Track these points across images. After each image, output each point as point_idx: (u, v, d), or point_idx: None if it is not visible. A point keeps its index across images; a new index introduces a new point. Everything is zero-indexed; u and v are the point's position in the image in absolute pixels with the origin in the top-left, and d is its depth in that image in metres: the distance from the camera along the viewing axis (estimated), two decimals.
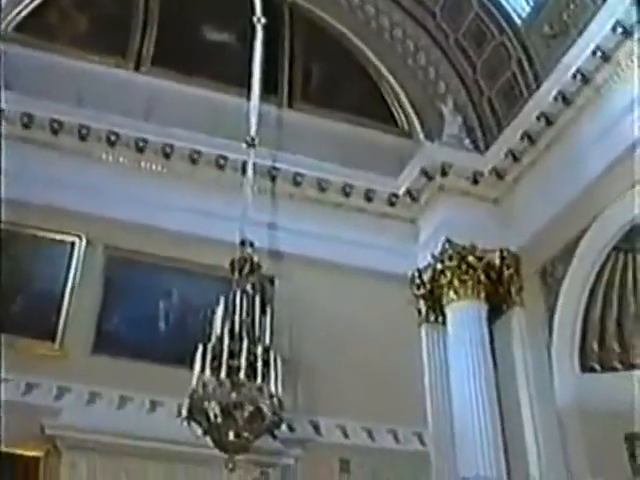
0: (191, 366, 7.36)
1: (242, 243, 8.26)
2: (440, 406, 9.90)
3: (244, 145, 9.61)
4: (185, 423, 7.28)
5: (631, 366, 9.44)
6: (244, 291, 7.85)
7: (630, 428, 9.02)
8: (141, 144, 10.10)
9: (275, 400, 7.17)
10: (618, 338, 9.58)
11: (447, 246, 10.21)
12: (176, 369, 8.29)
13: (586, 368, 9.49)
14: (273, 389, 7.19)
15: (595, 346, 9.59)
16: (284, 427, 8.71)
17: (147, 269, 9.63)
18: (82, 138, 9.92)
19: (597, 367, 9.55)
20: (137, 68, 11.02)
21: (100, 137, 10.01)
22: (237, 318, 7.56)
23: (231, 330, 7.44)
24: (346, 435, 9.59)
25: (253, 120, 9.78)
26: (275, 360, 7.35)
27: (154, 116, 10.32)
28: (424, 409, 9.98)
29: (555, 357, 9.45)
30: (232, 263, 8.12)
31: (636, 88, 8.70)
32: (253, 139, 9.61)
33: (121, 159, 10.07)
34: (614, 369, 9.52)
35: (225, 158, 10.30)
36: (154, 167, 10.18)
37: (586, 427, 9.09)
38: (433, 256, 10.36)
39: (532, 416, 9.37)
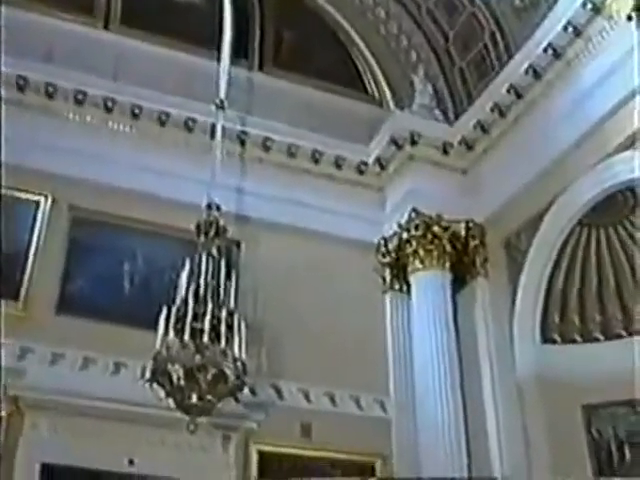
0: (155, 328, 7.36)
1: (209, 206, 8.21)
2: (402, 374, 10.01)
3: (213, 108, 9.52)
4: (148, 385, 7.29)
5: (590, 339, 9.60)
6: (209, 254, 7.83)
7: (587, 399, 9.20)
8: (109, 104, 9.97)
9: (238, 364, 7.20)
10: (579, 311, 9.72)
11: (414, 215, 10.26)
12: (140, 331, 8.27)
13: (547, 339, 9.63)
14: (237, 353, 7.22)
15: (556, 318, 9.72)
16: (247, 391, 8.78)
17: (112, 230, 9.56)
18: (49, 96, 9.77)
19: (557, 339, 9.68)
20: (106, 26, 10.85)
21: (67, 96, 9.86)
22: (202, 281, 7.55)
23: (196, 293, 7.44)
24: (308, 400, 9.68)
25: (223, 83, 9.64)
26: (239, 324, 7.37)
27: (123, 76, 10.18)
28: (386, 376, 10.09)
29: (517, 328, 9.58)
30: (198, 226, 8.08)
31: (606, 64, 8.75)
32: (222, 102, 9.50)
33: (88, 118, 9.94)
34: (574, 341, 9.66)
35: (194, 120, 10.22)
36: (122, 127, 10.07)
37: (544, 397, 9.25)
38: (399, 225, 10.41)
39: (492, 385, 9.51)
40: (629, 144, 8.41)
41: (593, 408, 9.24)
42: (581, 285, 9.72)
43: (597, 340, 9.60)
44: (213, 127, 9.69)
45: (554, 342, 9.66)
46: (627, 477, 8.63)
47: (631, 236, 9.46)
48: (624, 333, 9.49)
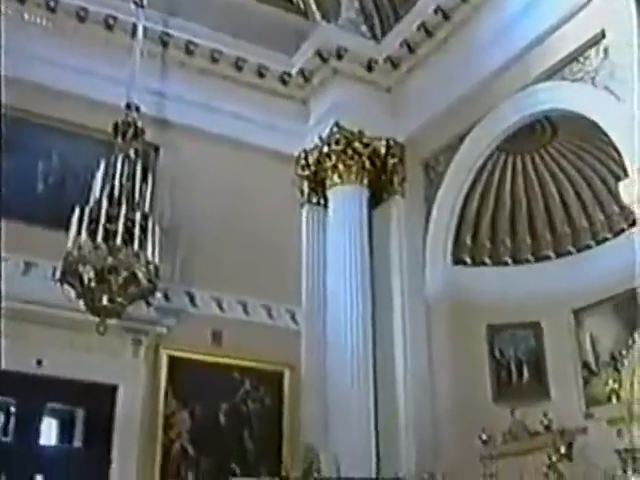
0: (68, 229, 7.23)
1: (127, 107, 8.00)
2: (314, 286, 10.14)
3: (132, 5, 9.19)
4: (58, 285, 7.20)
5: (500, 262, 9.87)
6: (126, 156, 7.68)
7: (492, 320, 9.51)
8: None
9: (151, 267, 7.15)
10: (491, 235, 9.96)
11: (335, 130, 10.23)
12: (52, 232, 8.13)
13: (457, 261, 9.87)
14: (150, 256, 7.17)
15: (468, 241, 9.95)
16: (159, 296, 8.84)
17: (26, 128, 9.21)
18: None
19: (468, 261, 9.93)
20: None
21: None
22: (117, 183, 7.41)
23: (110, 195, 7.30)
24: (221, 308, 9.74)
25: None
26: (154, 228, 7.29)
27: None
28: (299, 288, 10.23)
29: (429, 248, 9.77)
30: (116, 126, 7.88)
31: None
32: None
33: (2, 8, 9.47)
34: (483, 264, 9.92)
35: (114, 18, 9.83)
36: (39, 20, 9.63)
37: (451, 316, 9.52)
38: (320, 138, 10.38)
39: (402, 302, 9.72)
40: (551, 74, 8.52)
41: (497, 329, 9.58)
42: (494, 210, 9.94)
43: (506, 264, 9.89)
44: (134, 27, 9.40)
45: (464, 264, 9.90)
46: (524, 396, 9.01)
47: (546, 165, 9.68)
48: (532, 258, 9.79)
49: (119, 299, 7.06)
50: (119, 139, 7.81)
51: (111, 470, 8.59)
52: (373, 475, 8.79)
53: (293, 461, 9.19)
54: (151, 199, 7.64)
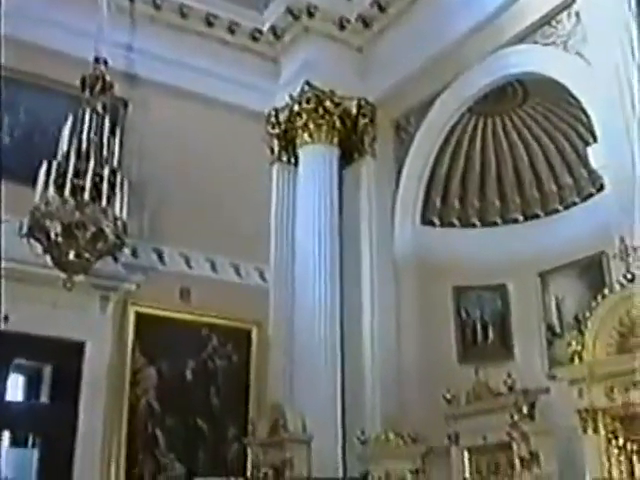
0: (35, 184, 7.12)
1: (96, 60, 7.86)
2: (283, 244, 10.16)
3: None
4: (25, 240, 7.11)
5: (468, 224, 9.93)
6: (94, 110, 7.56)
7: (459, 281, 9.59)
8: None
9: (119, 223, 7.09)
10: (460, 197, 10.00)
11: (306, 88, 10.17)
12: (19, 186, 8.03)
13: (426, 221, 9.91)
14: (118, 212, 7.11)
15: (437, 202, 9.99)
16: (127, 252, 8.81)
17: None
18: None
19: (437, 222, 9.97)
20: None
21: None
22: (85, 137, 7.32)
23: (78, 149, 7.20)
24: (189, 265, 9.74)
25: None
26: (122, 183, 7.22)
27: None
28: (268, 246, 10.25)
29: (398, 208, 9.80)
30: (83, 80, 7.75)
31: None
32: None
33: None
34: (452, 225, 9.98)
35: None
36: None
37: (419, 277, 9.59)
38: (291, 97, 10.31)
39: (370, 262, 9.75)
40: (523, 37, 8.51)
41: (463, 290, 9.66)
42: (464, 171, 9.98)
43: (474, 226, 9.95)
44: None
45: (433, 224, 9.95)
46: (489, 357, 9.12)
47: (516, 128, 9.71)
48: (500, 221, 9.86)
49: (86, 255, 7.00)
50: (87, 93, 7.68)
51: (78, 426, 8.60)
52: (339, 430, 8.87)
53: (259, 418, 9.26)
54: (119, 154, 7.55)
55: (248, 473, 9.27)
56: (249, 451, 9.31)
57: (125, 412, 9.03)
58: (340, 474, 8.70)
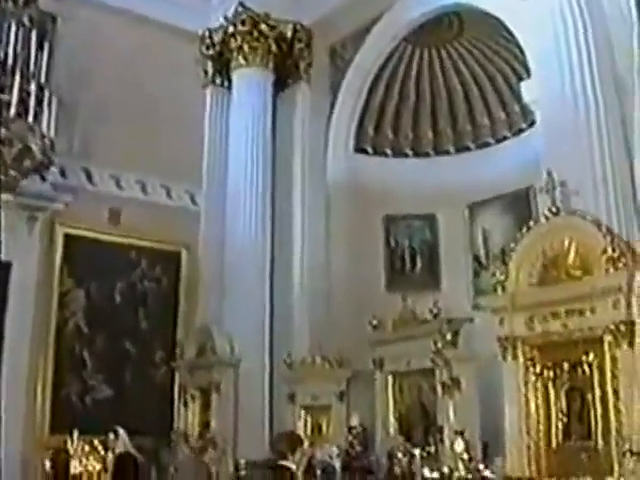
0: None
1: None
2: (216, 168, 10.04)
3: None
4: None
5: (400, 154, 9.97)
6: (20, 23, 7.30)
7: (389, 210, 9.68)
8: None
9: (46, 141, 6.94)
10: (393, 126, 10.01)
11: (240, 9, 9.93)
12: None
13: (359, 149, 9.92)
14: (45, 129, 6.94)
15: (371, 130, 9.98)
16: (55, 171, 8.63)
17: None
18: None
19: (370, 150, 9.99)
20: None
21: None
22: (10, 51, 7.07)
23: (3, 63, 6.98)
24: (119, 186, 9.62)
25: None
26: (50, 100, 7.04)
27: None
28: (200, 169, 10.13)
29: (332, 135, 9.76)
30: None
31: None
32: None
33: None
34: (385, 154, 10.01)
35: None
36: None
37: (350, 205, 9.63)
38: (226, 18, 10.07)
39: (302, 188, 9.73)
40: None
41: (393, 219, 9.76)
42: (399, 101, 9.96)
43: (406, 156, 9.99)
44: None
45: (366, 153, 9.96)
46: (416, 286, 9.27)
47: (452, 60, 9.70)
48: (432, 152, 9.93)
49: (12, 172, 6.85)
50: (10, 3, 7.40)
51: (3, 347, 8.52)
52: (267, 354, 8.97)
53: (187, 341, 9.31)
54: (48, 71, 7.36)
55: (175, 395, 9.35)
56: (177, 374, 9.39)
57: (52, 334, 8.98)
58: (267, 396, 8.82)
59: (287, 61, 10.15)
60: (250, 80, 9.91)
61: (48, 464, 8.00)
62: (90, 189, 9.33)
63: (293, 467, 4.80)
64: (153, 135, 9.69)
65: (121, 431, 7.77)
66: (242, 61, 9.90)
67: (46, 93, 7.05)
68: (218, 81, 10.37)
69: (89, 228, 9.23)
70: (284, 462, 4.82)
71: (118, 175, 9.55)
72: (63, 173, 9.01)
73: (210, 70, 10.36)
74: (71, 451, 8.01)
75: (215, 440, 8.32)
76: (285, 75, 10.18)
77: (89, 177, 9.37)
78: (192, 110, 10.17)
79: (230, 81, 10.18)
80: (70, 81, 9.04)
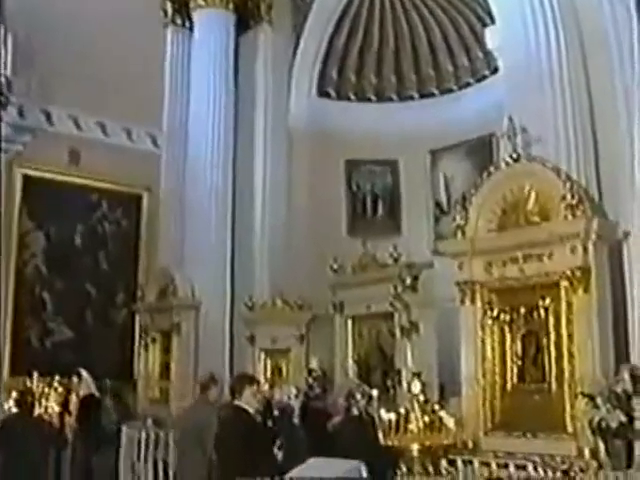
0: None
1: None
2: (177, 110, 9.84)
3: None
4: None
5: (364, 99, 9.95)
6: None
7: (351, 155, 9.70)
8: None
9: (3, 80, 6.86)
10: (357, 70, 9.97)
11: None
12: None
13: (322, 93, 9.88)
14: (2, 69, 6.82)
15: (334, 74, 9.94)
16: (14, 112, 8.47)
17: None
18: None
19: (333, 94, 9.95)
20: None
21: None
22: None
23: None
24: (79, 127, 9.50)
25: None
26: (5, 38, 6.91)
27: None
28: (161, 111, 9.95)
29: (295, 78, 9.71)
30: None
31: None
32: None
33: None
34: (348, 99, 9.98)
35: None
36: None
37: (312, 149, 9.64)
38: None
39: (264, 133, 9.61)
40: None
41: (355, 164, 9.78)
42: (362, 45, 9.91)
43: (369, 100, 9.97)
44: None
45: (329, 97, 9.93)
46: (377, 230, 9.33)
47: (415, 5, 9.63)
48: (395, 97, 9.91)
49: None
50: None
51: None
52: (228, 297, 9.01)
53: (148, 283, 9.31)
54: (1, 9, 7.17)
55: (136, 337, 9.38)
56: (137, 316, 9.40)
57: (12, 276, 8.93)
58: (227, 339, 8.87)
59: (247, 2, 9.93)
60: (211, 20, 9.67)
61: (12, 404, 7.98)
62: (49, 130, 9.21)
63: (246, 406, 4.86)
64: (114, 76, 9.49)
65: (84, 373, 7.79)
66: (201, 1, 9.67)
67: (1, 32, 6.88)
68: (179, 21, 10.12)
69: (49, 169, 9.13)
70: (238, 402, 4.88)
71: (77, 115, 9.42)
72: (21, 113, 8.85)
73: (170, 10, 10.07)
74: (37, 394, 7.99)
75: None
76: (247, 16, 9.96)
77: (48, 118, 9.23)
78: (152, 50, 9.94)
79: (192, 21, 9.99)
80: (28, 20, 8.82)
